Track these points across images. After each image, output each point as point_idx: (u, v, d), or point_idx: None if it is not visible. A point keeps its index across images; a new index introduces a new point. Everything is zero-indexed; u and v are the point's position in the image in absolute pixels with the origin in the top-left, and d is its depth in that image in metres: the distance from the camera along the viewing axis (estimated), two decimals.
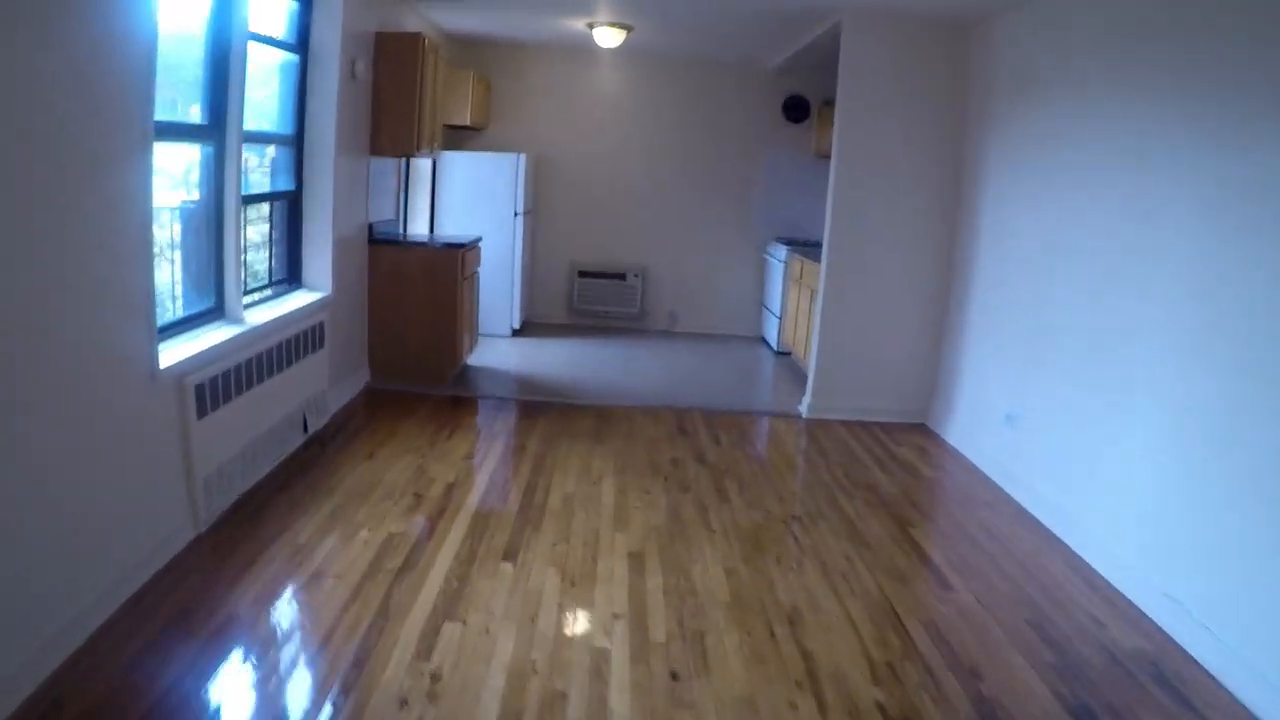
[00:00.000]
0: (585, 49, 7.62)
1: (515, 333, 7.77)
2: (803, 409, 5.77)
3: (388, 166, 5.97)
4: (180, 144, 3.66)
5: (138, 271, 2.92)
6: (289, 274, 4.86)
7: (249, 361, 3.82)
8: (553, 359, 6.99)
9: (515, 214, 7.44)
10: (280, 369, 4.19)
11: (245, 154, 4.16)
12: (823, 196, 8.13)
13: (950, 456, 5.13)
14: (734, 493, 4.24)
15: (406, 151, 5.50)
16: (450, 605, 2.98)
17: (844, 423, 5.63)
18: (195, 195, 3.80)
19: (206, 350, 3.45)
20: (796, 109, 8.20)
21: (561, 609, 3.02)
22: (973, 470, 4.89)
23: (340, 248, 5.03)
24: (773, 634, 2.95)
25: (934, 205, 5.56)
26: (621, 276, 8.39)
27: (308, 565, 3.24)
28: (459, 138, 8.03)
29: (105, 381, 2.79)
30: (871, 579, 3.44)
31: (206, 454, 3.47)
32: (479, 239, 6.36)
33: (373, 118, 5.39)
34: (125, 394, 2.92)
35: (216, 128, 3.73)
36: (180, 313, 3.70)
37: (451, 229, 7.45)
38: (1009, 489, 4.54)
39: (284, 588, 3.07)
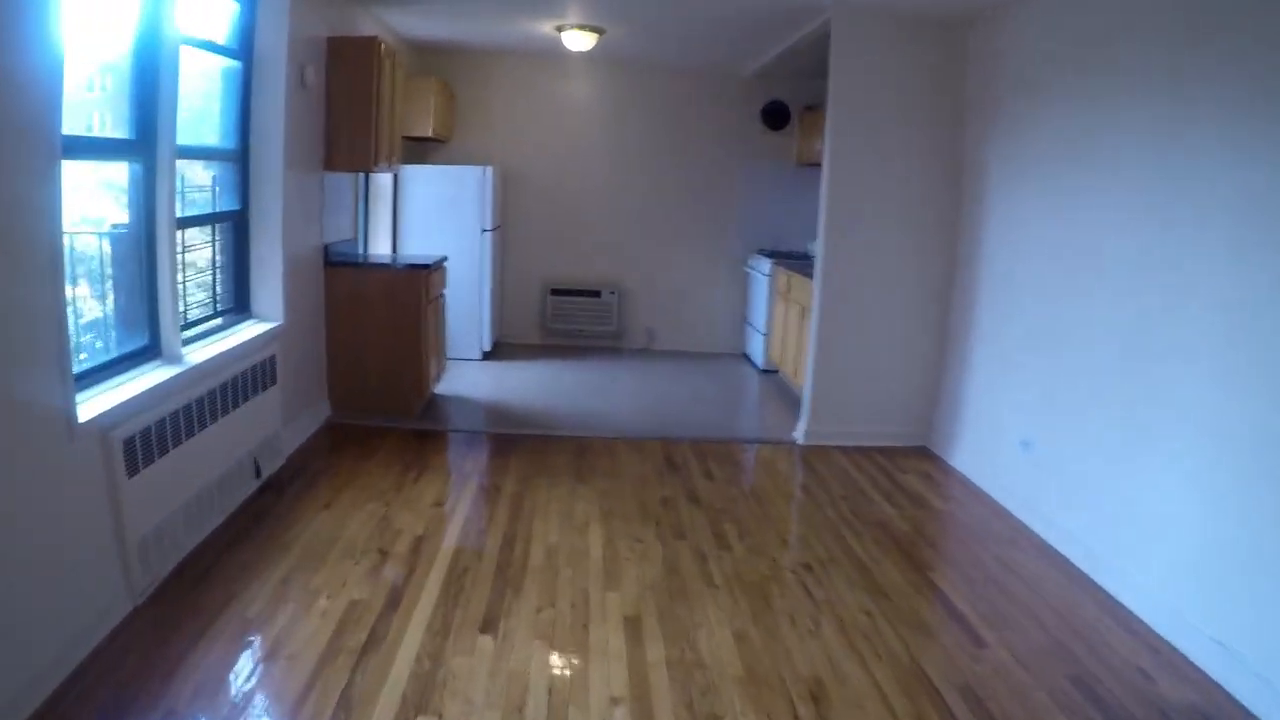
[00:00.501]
0: (554, 55, 7.28)
1: (486, 355, 7.39)
2: (798, 435, 5.45)
3: (344, 182, 5.58)
4: (103, 161, 3.26)
5: (44, 311, 2.52)
6: (236, 303, 4.46)
7: (189, 406, 3.42)
8: (527, 384, 6.62)
9: (483, 230, 7.07)
10: (226, 411, 3.79)
11: (181, 171, 3.77)
12: (806, 206, 7.92)
13: (959, 485, 4.83)
14: (734, 537, 3.89)
15: (364, 166, 5.11)
16: (423, 693, 2.60)
17: (842, 449, 5.31)
18: (124, 219, 3.40)
19: (136, 397, 3.05)
20: (776, 116, 7.91)
21: (552, 694, 2.65)
22: (986, 500, 4.59)
23: (292, 272, 4.63)
24: (796, 716, 2.60)
25: (933, 214, 5.28)
26: (596, 294, 8.03)
27: (258, 644, 2.85)
28: (421, 150, 7.65)
29: (9, 440, 2.39)
30: (896, 637, 3.10)
31: (140, 516, 3.07)
32: (444, 258, 5.98)
33: (326, 130, 5.00)
34: (36, 454, 2.52)
35: (145, 143, 3.34)
36: (109, 354, 3.30)
37: (415, 248, 7.06)
38: (1029, 522, 4.25)
39: (230, 673, 2.67)
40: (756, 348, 7.60)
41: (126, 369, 3.29)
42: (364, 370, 5.35)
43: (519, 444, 5.08)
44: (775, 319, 7.09)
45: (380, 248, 6.98)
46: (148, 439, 3.11)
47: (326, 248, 5.23)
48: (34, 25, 2.36)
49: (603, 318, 8.07)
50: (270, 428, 4.32)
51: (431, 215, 7.07)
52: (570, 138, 7.88)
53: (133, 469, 3.01)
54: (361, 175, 6.58)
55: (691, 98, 7.85)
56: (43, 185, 2.47)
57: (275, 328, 4.42)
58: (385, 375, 5.35)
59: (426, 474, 4.49)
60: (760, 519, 4.15)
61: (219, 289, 4.28)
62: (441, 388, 6.16)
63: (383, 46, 4.99)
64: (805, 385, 5.51)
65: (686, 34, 6.21)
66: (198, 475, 3.52)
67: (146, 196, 3.38)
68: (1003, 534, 4.16)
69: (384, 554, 3.52)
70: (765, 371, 7.40)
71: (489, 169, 6.99)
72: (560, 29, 6.12)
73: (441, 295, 5.94)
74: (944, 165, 5.22)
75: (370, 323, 5.30)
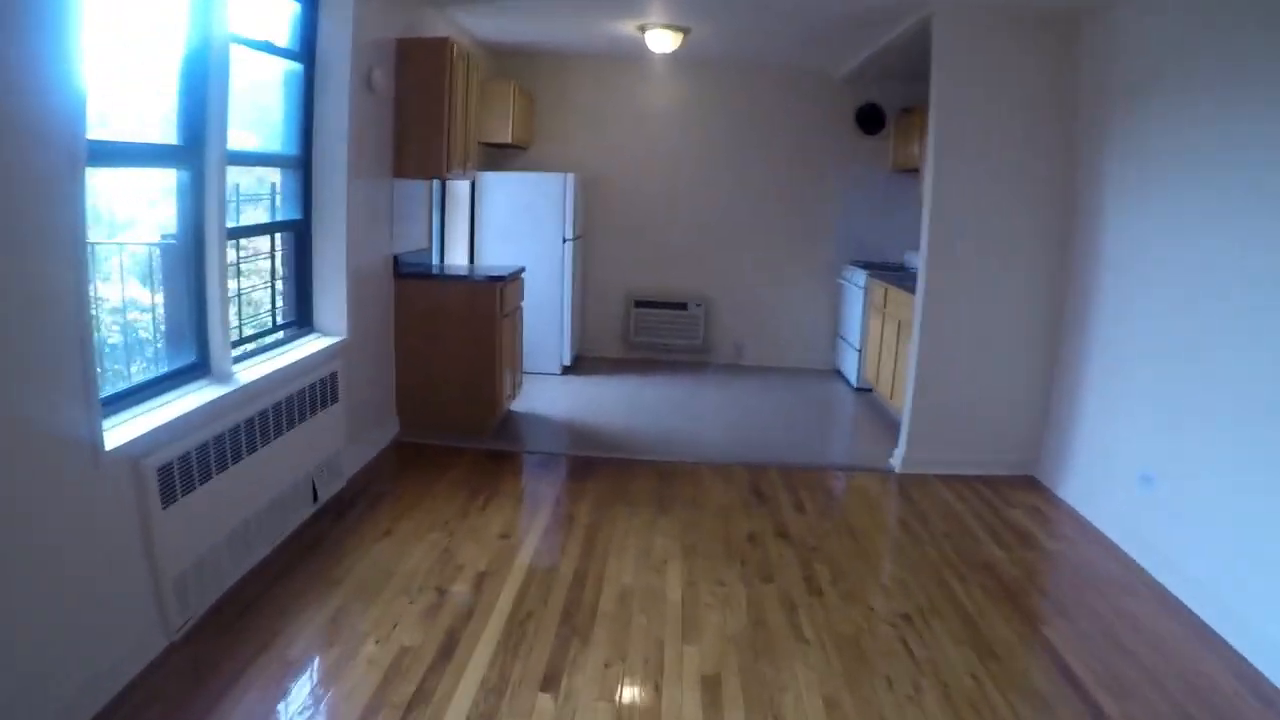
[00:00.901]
0: (637, 57, 7.00)
1: (566, 370, 7.14)
2: (895, 462, 5.01)
3: (416, 190, 5.39)
4: (147, 168, 3.09)
5: (66, 330, 2.32)
6: (299, 317, 4.28)
7: (236, 428, 3.22)
8: (608, 401, 6.33)
9: (564, 240, 6.82)
10: (280, 432, 3.59)
11: (237, 179, 3.61)
12: (902, 215, 7.54)
13: (1070, 520, 4.34)
14: (826, 581, 3.49)
15: (435, 173, 4.90)
16: None
17: (943, 478, 4.85)
18: (172, 230, 3.23)
19: (174, 421, 2.85)
20: (871, 119, 7.46)
21: None
22: (1100, 540, 4.09)
23: (358, 284, 4.44)
24: None
25: (1043, 226, 4.79)
26: (682, 306, 7.70)
27: (296, 692, 2.60)
28: (500, 157, 7.46)
29: (29, 469, 2.20)
30: (1007, 707, 2.67)
31: (177, 549, 2.87)
32: (521, 269, 5.74)
33: (396, 135, 4.81)
34: (59, 484, 2.33)
35: (193, 149, 3.16)
36: (153, 372, 3.13)
37: (494, 258, 6.86)
38: (1148, 565, 3.76)
39: None
40: (850, 364, 7.15)
41: (171, 389, 3.10)
42: (435, 387, 5.14)
43: (597, 468, 4.78)
44: (870, 335, 6.64)
45: (457, 258, 6.81)
46: (187, 465, 2.91)
47: (396, 258, 5.04)
48: (51, 25, 2.17)
49: (688, 331, 7.73)
50: (331, 448, 4.12)
51: (510, 224, 6.86)
52: (654, 143, 7.58)
53: (169, 498, 2.82)
54: (436, 183, 6.44)
55: (780, 100, 7.46)
56: (65, 195, 2.28)
57: (338, 343, 4.23)
58: (457, 393, 5.13)
59: (496, 500, 4.22)
60: (855, 559, 3.74)
61: (279, 302, 4.11)
62: (518, 405, 5.92)
63: (455, 48, 4.77)
64: (904, 409, 5.06)
65: (776, 33, 5.84)
66: (246, 502, 3.32)
67: (195, 206, 3.20)
68: (1119, 579, 3.68)
69: (442, 592, 3.24)
70: (859, 390, 6.94)
71: (569, 176, 6.74)
72: (643, 29, 5.83)
73: (519, 308, 5.70)
74: (1055, 174, 4.72)
75: (442, 337, 5.08)
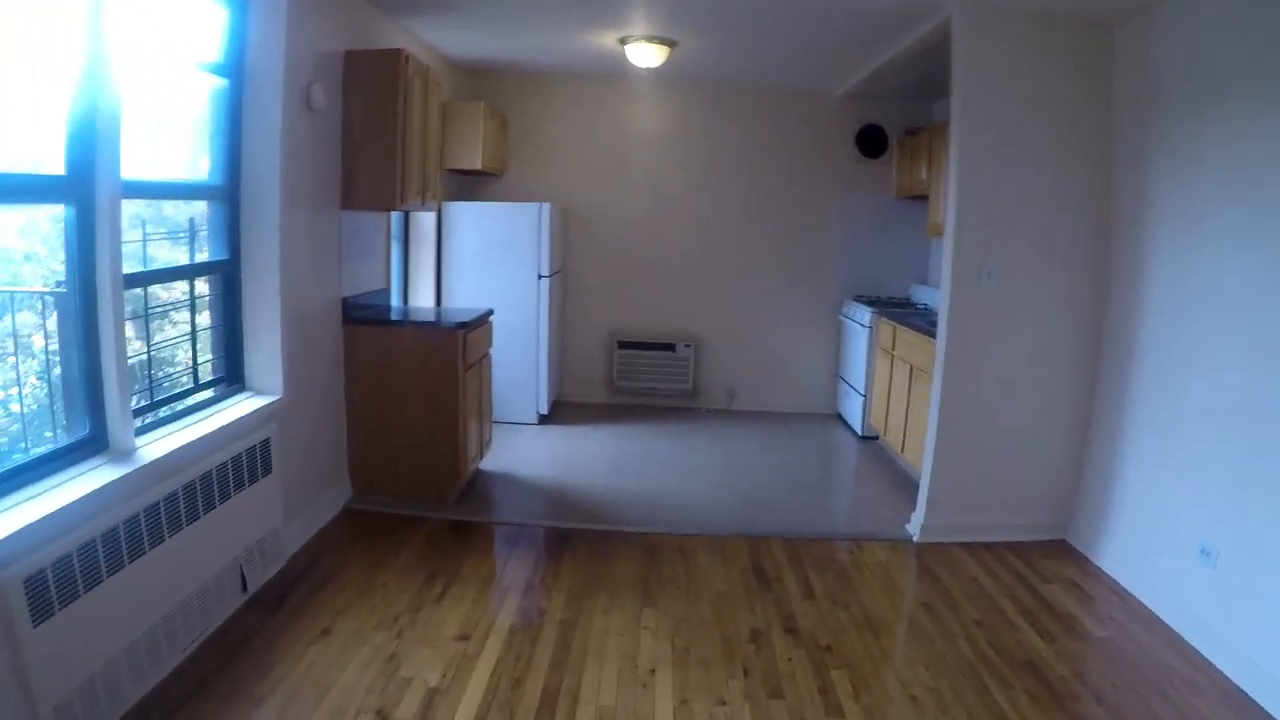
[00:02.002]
0: (619, 75, 6.60)
1: (543, 419, 6.67)
2: (913, 529, 4.56)
3: (371, 223, 4.93)
4: (24, 205, 2.63)
5: None
6: (228, 373, 3.81)
7: (136, 517, 2.75)
8: (588, 456, 5.85)
9: (539, 276, 6.38)
10: (198, 515, 3.12)
11: (145, 214, 3.15)
12: (906, 245, 7.16)
13: (1114, 597, 3.91)
14: (846, 694, 3.01)
15: (387, 204, 4.44)
16: None
17: (967, 547, 4.40)
18: (58, 278, 2.76)
19: (46, 518, 2.37)
20: (872, 142, 7.10)
21: None
22: (1152, 622, 3.66)
23: (297, 333, 3.98)
24: None
25: (1080, 258, 4.39)
26: (670, 347, 7.25)
27: None
28: (471, 185, 7.03)
29: None
30: None
31: (56, 674, 2.40)
32: (489, 312, 5.27)
33: (344, 161, 4.37)
34: None
35: (80, 180, 2.69)
36: (30, 453, 2.65)
37: (462, 297, 6.40)
38: (1212, 655, 3.35)
39: None
40: (853, 409, 6.71)
41: (53, 473, 2.63)
42: (391, 448, 4.66)
43: (575, 542, 4.30)
44: (876, 378, 6.22)
45: (422, 298, 6.35)
46: (68, 571, 2.43)
47: (346, 301, 4.57)
48: None
49: (677, 374, 7.28)
50: (264, 527, 3.64)
51: (481, 259, 6.42)
52: (638, 169, 7.16)
53: (43, 614, 2.34)
54: (399, 215, 6.00)
55: (774, 121, 7.07)
56: None
57: (271, 403, 3.75)
58: (415, 454, 4.65)
59: (455, 586, 3.73)
60: (878, 660, 3.27)
61: (199, 358, 3.63)
62: (488, 462, 5.44)
63: (408, 60, 4.33)
64: (923, 469, 4.62)
65: (772, 45, 5.46)
66: (150, 605, 2.83)
67: (82, 249, 2.73)
68: (1182, 674, 3.24)
69: (384, 718, 2.75)
70: (864, 438, 6.50)
71: (545, 206, 6.31)
72: (624, 41, 5.43)
73: (486, 355, 5.23)
74: (1091, 197, 4.33)
75: (397, 391, 4.61)
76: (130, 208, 3.00)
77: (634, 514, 4.73)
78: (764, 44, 5.47)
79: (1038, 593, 3.91)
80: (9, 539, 2.24)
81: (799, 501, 5.08)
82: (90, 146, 2.69)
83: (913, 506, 4.67)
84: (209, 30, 3.46)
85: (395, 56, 4.28)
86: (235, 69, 3.57)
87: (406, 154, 4.40)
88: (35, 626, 2.32)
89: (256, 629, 3.29)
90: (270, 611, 3.42)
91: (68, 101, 2.64)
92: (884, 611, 3.70)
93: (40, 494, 2.50)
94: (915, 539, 4.51)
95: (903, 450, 5.49)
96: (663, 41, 5.39)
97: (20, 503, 2.43)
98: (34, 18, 2.53)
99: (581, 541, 4.30)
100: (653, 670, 3.10)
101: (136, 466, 2.81)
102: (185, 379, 3.55)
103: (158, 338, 3.38)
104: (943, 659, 3.31)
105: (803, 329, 7.33)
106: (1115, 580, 4.06)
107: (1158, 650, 3.44)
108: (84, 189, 2.70)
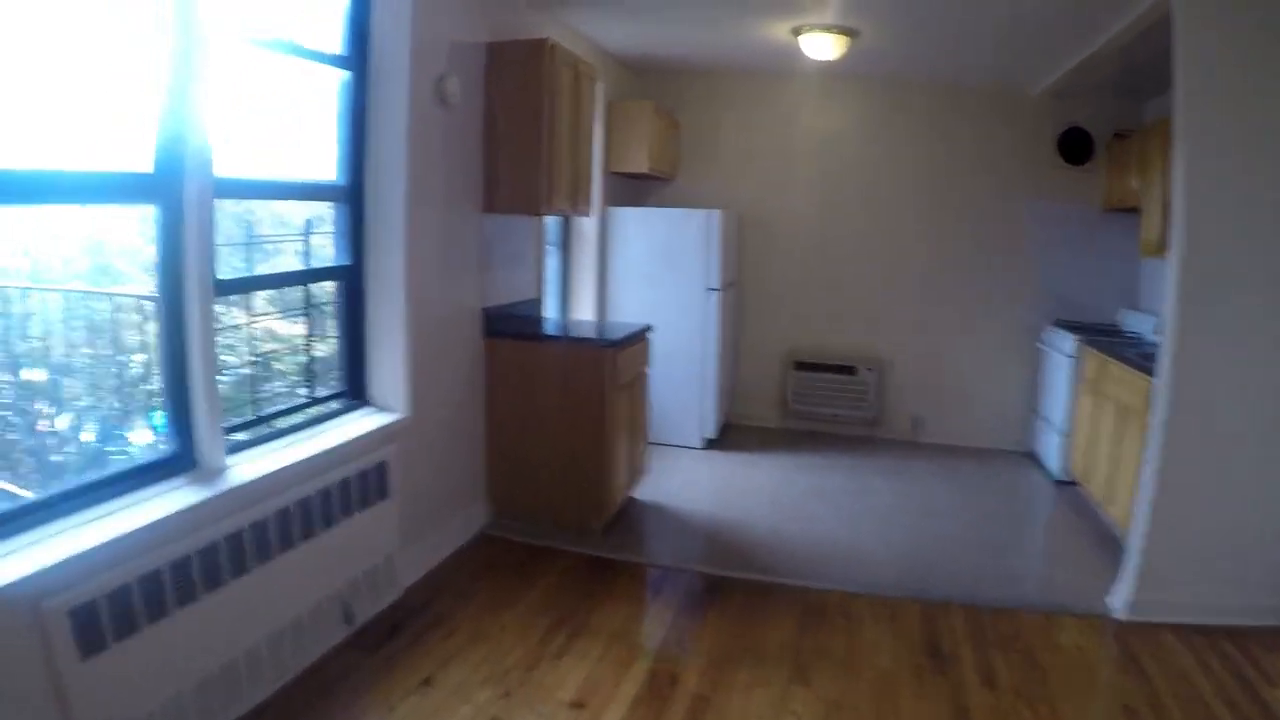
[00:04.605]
0: (793, 71, 6.12)
1: (710, 444, 6.26)
2: (1117, 604, 3.80)
3: (521, 228, 4.70)
4: (107, 205, 2.50)
5: None
6: (350, 387, 3.63)
7: (215, 546, 2.56)
8: (753, 489, 5.38)
9: (709, 289, 5.99)
10: (296, 542, 2.92)
11: (247, 216, 3.00)
12: (1116, 265, 6.24)
13: None
14: None
15: (531, 208, 4.17)
16: None
17: (1177, 629, 3.61)
18: (151, 284, 2.62)
19: (101, 547, 2.19)
20: (1076, 146, 6.25)
21: None
22: None
23: (426, 346, 3.76)
24: None
25: None
26: (850, 370, 6.67)
27: None
28: (641, 190, 6.74)
29: None
30: None
31: (107, 708, 2.22)
32: (645, 328, 4.91)
33: (486, 161, 4.14)
34: None
35: (167, 178, 2.53)
36: (112, 468, 2.51)
37: (626, 310, 6.10)
38: None
39: None
40: (1050, 449, 5.89)
41: (129, 491, 2.47)
42: (532, 471, 4.39)
43: (725, 592, 3.86)
44: (1079, 416, 5.41)
45: (583, 310, 6.10)
46: (125, 602, 2.25)
47: (488, 312, 4.34)
48: None
49: (857, 400, 6.68)
50: (376, 556, 3.43)
51: (646, 270, 6.10)
52: (816, 175, 6.63)
53: (94, 647, 2.17)
54: (558, 219, 5.79)
55: (964, 123, 6.36)
56: None
57: (393, 422, 3.54)
58: (558, 480, 4.36)
59: (581, 639, 3.37)
60: None
61: (317, 371, 3.46)
62: (643, 489, 5.09)
63: (554, 50, 4.05)
64: (1133, 531, 3.84)
65: (963, 34, 4.83)
66: (230, 640, 2.64)
67: (171, 252, 2.57)
68: None
69: None
70: (1061, 483, 5.68)
71: (715, 214, 5.91)
72: (798, 32, 4.95)
73: (642, 375, 4.88)
74: None
75: (539, 411, 4.34)
76: (239, 209, 2.86)
77: (795, 563, 4.23)
78: (953, 33, 4.85)
79: (1259, 697, 3.12)
80: (55, 568, 2.07)
81: (984, 559, 4.40)
82: (179, 142, 2.52)
83: (1117, 575, 3.91)
84: (330, 18, 3.29)
85: (538, 46, 4.00)
86: (358, 60, 3.38)
87: (552, 153, 4.11)
88: (83, 660, 2.15)
89: (351, 670, 3.05)
90: (370, 651, 3.18)
91: (158, 93, 2.49)
92: (1077, 714, 3.03)
93: (107, 515, 2.34)
94: (1120, 617, 3.77)
95: (1108, 505, 4.70)
96: (841, 31, 4.88)
97: (84, 524, 2.27)
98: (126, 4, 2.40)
99: (733, 593, 3.85)
100: None
101: (217, 491, 2.61)
102: (299, 393, 3.38)
103: (270, 347, 3.23)
104: None
105: (996, 355, 6.55)
106: None
107: None
108: (171, 188, 2.54)
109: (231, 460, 2.82)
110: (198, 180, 2.56)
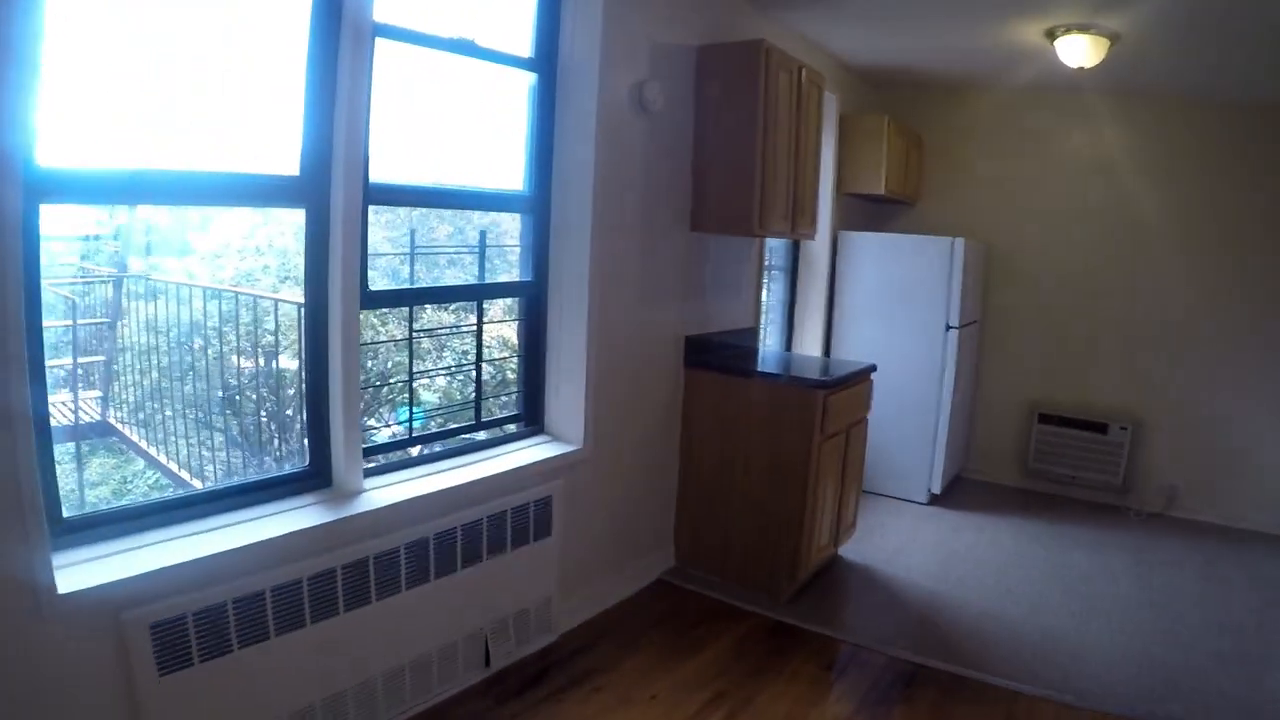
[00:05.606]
0: (1045, 86, 5.38)
1: (935, 499, 5.62)
2: None
3: (735, 250, 4.34)
4: (256, 209, 2.40)
5: None
6: (528, 412, 3.43)
7: (330, 573, 2.39)
8: (976, 558, 4.70)
9: (948, 326, 5.37)
10: (428, 577, 2.73)
11: (410, 224, 2.85)
12: None
13: None
14: None
15: (741, 228, 3.79)
16: None
17: None
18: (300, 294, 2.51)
19: (197, 561, 2.07)
20: None
21: None
22: None
23: (614, 373, 3.49)
24: None
25: None
26: (1101, 428, 5.76)
27: None
28: (879, 214, 6.21)
29: None
30: None
31: None
32: (869, 368, 4.40)
33: (695, 175, 3.83)
34: None
35: (314, 180, 2.40)
36: (245, 477, 2.41)
37: (855, 346, 5.59)
38: None
39: None
40: None
41: (250, 505, 2.36)
42: (724, 518, 4.02)
43: (918, 685, 3.30)
44: None
45: (808, 344, 5.66)
46: (219, 620, 2.12)
47: (690, 340, 4.03)
48: None
49: (1105, 462, 5.76)
50: (527, 599, 3.18)
51: (879, 302, 5.56)
52: (1074, 204, 5.76)
53: (176, 662, 2.07)
54: (785, 243, 5.40)
55: (1253, 150, 5.28)
56: None
57: (565, 454, 3.29)
58: (750, 532, 3.96)
59: None
60: None
61: (490, 393, 3.27)
62: (852, 546, 4.58)
63: (770, 53, 3.66)
64: None
65: (1246, 32, 3.94)
66: (341, 671, 2.48)
67: (316, 261, 2.44)
68: None
69: None
70: None
71: (959, 242, 5.28)
72: (1052, 35, 4.27)
73: (860, 421, 4.37)
74: None
75: (737, 453, 3.96)
76: (409, 217, 2.71)
77: (1008, 658, 3.57)
78: (1232, 33, 3.98)
79: None
80: (145, 576, 2.01)
81: (1235, 679, 3.51)
82: (325, 139, 2.38)
83: None
84: (518, 18, 3.09)
85: (753, 48, 3.62)
86: (546, 63, 3.16)
87: (766, 166, 3.73)
88: (161, 675, 2.03)
89: (479, 717, 2.82)
90: (500, 701, 2.92)
91: (303, 91, 2.36)
92: None
93: (217, 529, 2.23)
94: None
95: None
96: (1100, 34, 4.16)
97: (192, 534, 2.18)
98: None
99: (928, 687, 3.29)
100: None
101: (339, 515, 2.45)
102: (468, 414, 3.21)
103: (434, 365, 3.07)
104: None
105: (1276, 421, 5.45)
106: None
107: None
108: (318, 192, 2.40)
109: (370, 483, 2.66)
110: (346, 184, 2.40)
